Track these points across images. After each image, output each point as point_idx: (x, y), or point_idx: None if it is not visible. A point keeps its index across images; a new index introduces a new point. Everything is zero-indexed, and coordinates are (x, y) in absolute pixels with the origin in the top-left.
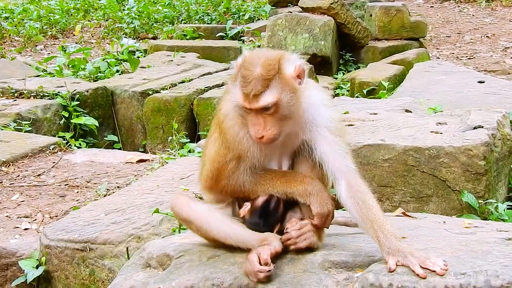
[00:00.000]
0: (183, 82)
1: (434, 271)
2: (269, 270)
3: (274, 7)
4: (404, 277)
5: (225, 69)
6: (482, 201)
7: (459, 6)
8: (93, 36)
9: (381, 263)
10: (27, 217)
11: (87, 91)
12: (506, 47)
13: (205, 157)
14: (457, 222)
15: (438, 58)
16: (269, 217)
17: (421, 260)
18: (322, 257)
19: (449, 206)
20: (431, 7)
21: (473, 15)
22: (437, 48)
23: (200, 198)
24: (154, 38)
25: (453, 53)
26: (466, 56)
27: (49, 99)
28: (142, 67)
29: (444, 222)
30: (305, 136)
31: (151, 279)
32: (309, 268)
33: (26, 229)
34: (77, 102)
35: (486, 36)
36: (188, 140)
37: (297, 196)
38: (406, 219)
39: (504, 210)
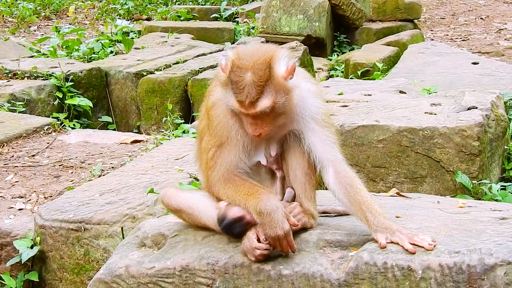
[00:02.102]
0: (177, 63)
1: (422, 247)
2: (267, 249)
3: None
4: (398, 256)
5: (219, 50)
6: (476, 182)
7: None
8: (86, 17)
9: (375, 242)
10: (21, 198)
11: (81, 72)
12: (500, 29)
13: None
14: (451, 202)
15: (432, 39)
16: (233, 232)
17: (409, 237)
18: (317, 236)
19: (443, 186)
20: None
21: None
22: (431, 30)
23: (196, 178)
24: (148, 19)
25: (447, 35)
26: (460, 38)
27: (43, 79)
28: (136, 48)
29: (438, 202)
30: (294, 126)
31: (146, 258)
32: (304, 247)
33: (20, 209)
34: (71, 83)
35: (480, 18)
36: (183, 121)
37: (252, 212)
38: (401, 199)
39: (497, 190)
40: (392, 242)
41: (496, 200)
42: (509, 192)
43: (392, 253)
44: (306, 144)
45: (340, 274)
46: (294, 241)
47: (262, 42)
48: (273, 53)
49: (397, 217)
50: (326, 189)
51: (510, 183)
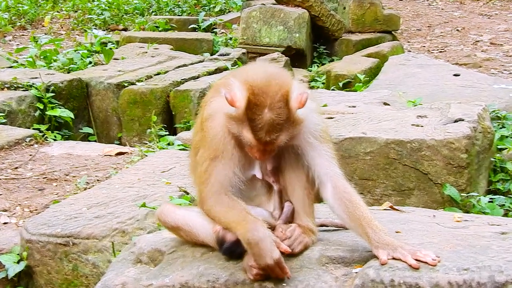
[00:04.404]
0: (158, 74)
1: (426, 262)
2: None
3: None
4: (406, 273)
5: (200, 61)
6: (464, 194)
7: (428, 0)
8: (62, 27)
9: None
10: (5, 211)
11: (62, 83)
12: (477, 41)
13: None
14: (447, 216)
15: (409, 51)
16: (234, 254)
17: (412, 252)
18: (319, 253)
19: (430, 199)
20: (400, 0)
21: (442, 9)
22: (408, 41)
23: (185, 192)
24: (125, 29)
25: (424, 46)
26: (437, 49)
27: (24, 90)
28: (115, 59)
29: (434, 216)
30: (292, 141)
31: (143, 275)
32: (306, 264)
33: (5, 223)
34: (52, 94)
35: (456, 30)
36: (167, 132)
37: (241, 240)
38: (395, 213)
39: (485, 203)
40: (394, 259)
41: (484, 213)
42: (497, 204)
43: (399, 270)
44: (304, 159)
45: None
46: (296, 256)
47: (243, 53)
48: (288, 87)
49: (397, 232)
50: (321, 202)
51: (496, 196)
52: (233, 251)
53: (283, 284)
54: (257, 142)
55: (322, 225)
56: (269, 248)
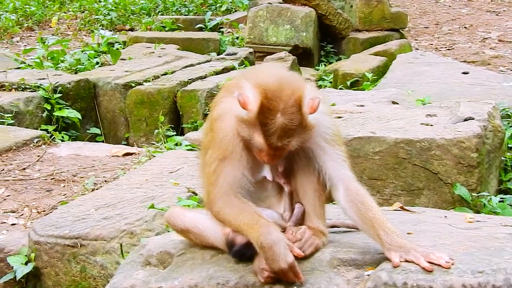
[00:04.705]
0: (165, 74)
1: (439, 265)
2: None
3: None
4: (419, 276)
5: (207, 61)
6: (475, 194)
7: None
8: (69, 28)
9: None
10: (13, 212)
11: (69, 84)
12: (485, 38)
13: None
14: (458, 216)
15: (417, 49)
16: (244, 257)
17: (425, 255)
18: (330, 255)
19: (440, 199)
20: None
21: (449, 6)
22: (416, 39)
23: (194, 193)
24: (131, 29)
25: (431, 44)
26: (445, 47)
27: (31, 91)
28: (122, 59)
29: (446, 216)
30: (304, 144)
31: (152, 277)
32: (317, 266)
33: (13, 224)
34: (60, 95)
35: (464, 27)
36: (175, 133)
37: (254, 245)
38: (405, 213)
39: (496, 203)
40: (406, 261)
41: (495, 213)
42: (508, 204)
43: (412, 273)
44: (316, 161)
45: None
46: (307, 259)
47: (250, 52)
48: (301, 92)
49: (408, 233)
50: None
51: (507, 195)
52: (243, 253)
53: (294, 287)
54: (268, 147)
55: (333, 226)
56: (283, 252)
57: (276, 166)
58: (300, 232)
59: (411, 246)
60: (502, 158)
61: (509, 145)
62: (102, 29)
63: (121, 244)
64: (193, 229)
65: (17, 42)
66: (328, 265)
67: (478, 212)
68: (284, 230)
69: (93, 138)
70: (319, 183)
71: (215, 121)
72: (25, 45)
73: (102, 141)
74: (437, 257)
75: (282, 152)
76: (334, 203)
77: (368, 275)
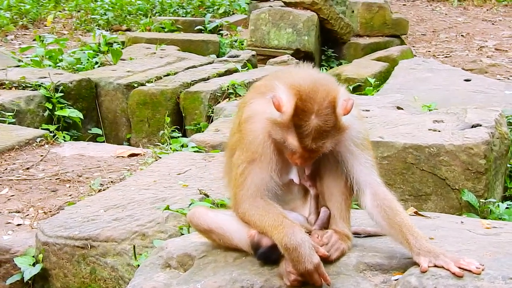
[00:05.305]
0: (168, 75)
1: (470, 271)
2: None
3: (254, 1)
4: (449, 281)
5: (210, 63)
6: (482, 201)
7: (431, 5)
8: (64, 27)
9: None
10: (18, 212)
11: (71, 83)
12: (481, 46)
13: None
14: (475, 222)
15: (415, 56)
16: (270, 259)
17: (455, 260)
18: (356, 259)
19: (448, 204)
20: (403, 5)
21: (446, 14)
22: (413, 46)
23: (206, 195)
24: (128, 30)
25: (429, 51)
26: (443, 55)
27: (32, 90)
28: (122, 59)
29: (462, 222)
30: (334, 148)
31: (173, 280)
32: (344, 271)
33: (19, 224)
34: (61, 94)
35: (461, 35)
36: (180, 134)
37: (279, 246)
38: (421, 219)
39: (504, 209)
40: (435, 266)
41: (501, 219)
42: None
43: (442, 278)
44: (344, 165)
45: None
46: (333, 263)
47: (253, 55)
48: (335, 93)
49: (430, 238)
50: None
51: None
52: (269, 256)
53: None
54: (302, 149)
55: (354, 233)
56: (308, 253)
57: (303, 169)
58: (327, 236)
59: (441, 251)
60: (508, 165)
61: None
62: (99, 29)
63: (134, 246)
64: (217, 229)
65: (12, 40)
66: (354, 270)
67: (484, 218)
68: (309, 233)
69: (94, 139)
70: (346, 187)
71: (244, 123)
72: (20, 44)
73: (103, 142)
74: (467, 263)
75: (315, 154)
76: (354, 208)
77: (396, 280)
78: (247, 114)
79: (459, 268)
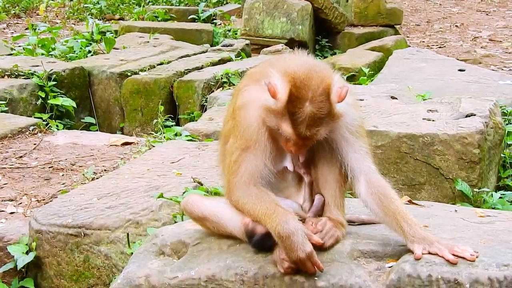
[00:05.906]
0: (161, 64)
1: (464, 258)
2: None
3: None
4: (444, 268)
5: (203, 52)
6: (476, 190)
7: None
8: (57, 16)
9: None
10: (11, 201)
11: (63, 71)
12: (475, 37)
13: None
14: (469, 211)
15: (409, 46)
16: (264, 247)
17: (449, 247)
18: (350, 246)
19: (441, 194)
20: None
21: (440, 4)
22: (407, 36)
23: (200, 183)
24: (121, 19)
25: (423, 41)
26: (437, 45)
27: (25, 78)
28: (115, 48)
29: (456, 211)
30: (328, 135)
31: (167, 267)
32: (338, 258)
33: (12, 213)
34: (54, 82)
35: (455, 26)
36: (174, 123)
37: (271, 233)
38: (415, 207)
39: (497, 199)
40: (430, 253)
41: (494, 209)
42: (507, 200)
43: (436, 265)
44: (338, 153)
45: (379, 287)
46: (327, 250)
47: (247, 44)
48: (330, 80)
49: (424, 226)
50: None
51: (506, 191)
52: (263, 244)
53: (315, 278)
54: (297, 136)
55: (349, 221)
56: (301, 242)
57: (297, 156)
58: (321, 223)
59: (435, 238)
60: (501, 155)
61: (508, 142)
62: (92, 18)
63: (127, 234)
64: (211, 217)
65: (4, 29)
66: (348, 257)
67: (477, 207)
68: (303, 220)
69: (87, 127)
70: (341, 174)
71: (238, 110)
72: (12, 32)
73: (96, 131)
74: (462, 250)
75: (309, 141)
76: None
77: (390, 267)
78: (241, 101)
79: (454, 255)
